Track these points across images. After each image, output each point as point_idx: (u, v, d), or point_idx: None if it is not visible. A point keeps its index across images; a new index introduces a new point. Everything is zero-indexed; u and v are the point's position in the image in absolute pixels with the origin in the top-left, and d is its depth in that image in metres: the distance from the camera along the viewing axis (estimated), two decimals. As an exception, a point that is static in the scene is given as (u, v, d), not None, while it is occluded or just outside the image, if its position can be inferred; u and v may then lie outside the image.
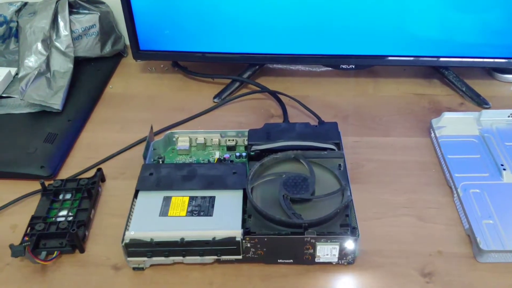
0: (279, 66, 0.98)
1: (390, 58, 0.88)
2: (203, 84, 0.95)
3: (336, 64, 0.91)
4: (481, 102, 0.87)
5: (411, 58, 0.87)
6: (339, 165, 0.67)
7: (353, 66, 0.91)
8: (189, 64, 0.97)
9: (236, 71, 0.94)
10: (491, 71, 0.93)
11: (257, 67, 0.94)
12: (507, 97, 0.89)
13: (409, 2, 0.81)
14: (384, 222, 0.66)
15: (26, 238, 0.62)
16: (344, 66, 0.91)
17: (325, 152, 0.69)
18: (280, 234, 0.57)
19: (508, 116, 0.80)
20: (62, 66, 0.89)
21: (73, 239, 0.61)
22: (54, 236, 0.62)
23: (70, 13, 0.92)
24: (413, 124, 0.83)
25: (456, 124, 0.79)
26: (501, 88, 0.92)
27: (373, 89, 0.93)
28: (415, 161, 0.76)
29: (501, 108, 0.82)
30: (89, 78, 0.93)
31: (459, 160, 0.73)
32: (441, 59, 0.87)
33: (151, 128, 0.74)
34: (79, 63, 0.94)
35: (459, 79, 0.89)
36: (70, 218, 0.64)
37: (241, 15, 0.84)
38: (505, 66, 0.89)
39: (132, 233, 0.57)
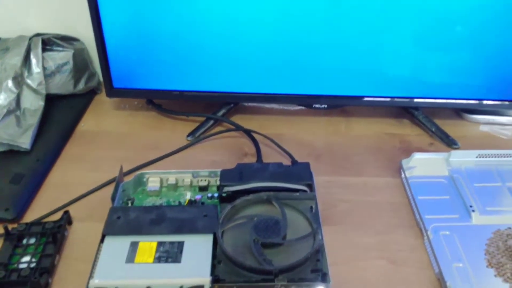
0: (254, 104, 0.99)
1: (361, 98, 0.89)
2: (177, 122, 0.94)
3: (309, 103, 0.92)
4: (450, 143, 0.88)
5: (382, 99, 0.88)
6: (311, 207, 0.67)
7: (325, 106, 0.92)
8: (163, 101, 0.96)
9: (211, 109, 0.94)
10: (460, 111, 0.95)
11: (232, 105, 0.94)
12: (476, 137, 0.91)
13: (380, 44, 0.82)
14: (356, 266, 0.66)
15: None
16: (316, 106, 0.92)
17: (298, 194, 0.69)
18: (250, 281, 0.57)
19: (477, 157, 0.82)
20: (33, 103, 0.88)
21: (35, 287, 0.59)
22: (15, 284, 0.60)
23: (44, 50, 0.91)
24: (384, 164, 0.84)
25: (426, 164, 0.80)
26: (470, 128, 0.93)
27: (345, 128, 0.93)
28: (387, 202, 0.76)
29: (470, 148, 0.84)
30: (61, 115, 0.92)
31: (429, 201, 0.74)
32: (413, 100, 0.88)
33: (121, 168, 0.73)
34: (51, 100, 0.93)
35: (428, 120, 0.91)
36: (33, 265, 0.62)
37: (216, 54, 0.85)
38: (476, 107, 0.90)
39: (97, 281, 0.56)
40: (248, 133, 0.89)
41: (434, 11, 0.78)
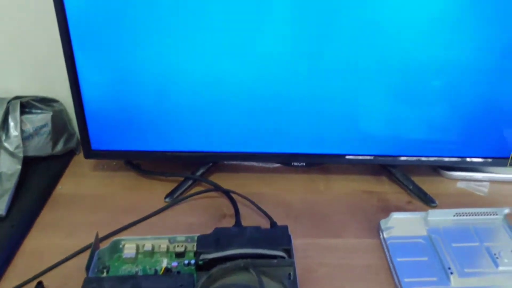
0: (233, 162, 0.99)
1: (339, 157, 0.90)
2: (155, 182, 0.94)
3: (288, 161, 0.93)
4: (428, 201, 0.89)
5: (362, 157, 0.89)
6: (289, 274, 0.67)
7: (304, 164, 0.93)
8: (142, 161, 0.96)
9: (190, 168, 0.94)
10: (437, 168, 0.96)
11: (211, 164, 0.95)
12: (453, 194, 0.92)
13: (357, 102, 0.84)
14: (334, 334, 0.65)
15: None
16: (295, 164, 0.93)
17: (275, 261, 0.68)
18: None
19: (454, 216, 0.82)
20: (10, 167, 0.87)
21: None
22: None
23: (22, 113, 0.91)
24: (363, 225, 0.84)
25: (404, 224, 0.81)
26: (447, 185, 0.94)
27: (324, 186, 0.94)
28: (366, 265, 0.76)
29: (447, 206, 0.85)
30: (38, 178, 0.92)
31: (408, 264, 0.74)
32: (395, 158, 0.90)
33: (97, 235, 0.73)
34: (29, 162, 0.92)
35: (406, 177, 0.92)
36: None
37: (195, 115, 0.86)
38: (457, 165, 0.92)
39: None
40: (227, 193, 0.89)
41: (410, 66, 0.80)
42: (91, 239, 0.77)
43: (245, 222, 0.82)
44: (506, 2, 0.74)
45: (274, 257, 0.69)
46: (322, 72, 0.81)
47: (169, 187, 0.92)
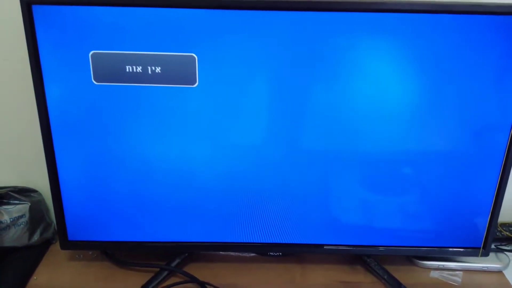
0: (208, 252, 1.00)
1: (315, 246, 0.91)
2: (130, 273, 0.94)
3: (263, 251, 0.94)
4: (402, 291, 0.90)
5: (335, 247, 0.91)
6: None
7: (280, 253, 0.94)
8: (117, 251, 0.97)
9: (166, 258, 0.94)
10: (411, 258, 0.98)
11: (187, 254, 0.95)
12: (426, 284, 0.93)
13: (329, 191, 0.87)
14: None
15: None
16: (271, 253, 0.94)
17: None
18: None
19: (428, 307, 0.83)
20: (-15, 259, 0.87)
21: None
22: None
23: (0, 203, 0.92)
24: (338, 317, 0.84)
25: (379, 316, 0.81)
26: (421, 274, 0.95)
27: (301, 276, 0.94)
28: None
29: (421, 296, 0.86)
30: (13, 269, 0.91)
31: None
32: (376, 248, 0.91)
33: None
34: (4, 252, 0.92)
35: (380, 267, 0.93)
36: None
37: (169, 206, 0.87)
38: (426, 254, 0.94)
39: None
40: (203, 285, 0.89)
41: (382, 154, 0.83)
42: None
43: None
44: (472, 91, 0.79)
45: None
46: (296, 162, 0.84)
47: (144, 277, 0.92)
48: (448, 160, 0.84)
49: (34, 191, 1.00)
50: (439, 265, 0.96)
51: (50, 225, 1.01)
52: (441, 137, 0.82)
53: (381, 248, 0.91)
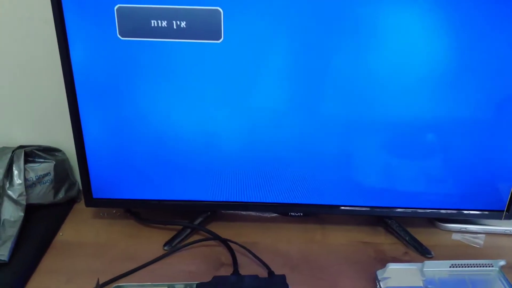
0: (231, 211, 1.01)
1: (336, 207, 0.91)
2: (154, 230, 0.95)
3: (285, 211, 0.95)
4: (424, 252, 0.90)
5: (358, 209, 0.91)
6: (286, 326, 0.68)
7: (301, 214, 0.94)
8: (141, 209, 0.98)
9: (188, 216, 0.95)
10: (433, 220, 0.98)
11: (209, 213, 0.96)
12: (449, 246, 0.93)
13: (352, 153, 0.86)
14: None
15: None
16: (292, 214, 0.94)
17: (272, 312, 0.69)
18: None
19: (450, 267, 0.83)
20: (13, 214, 0.89)
21: None
22: None
23: (26, 161, 0.93)
24: (360, 275, 0.85)
25: (400, 275, 0.81)
26: (443, 236, 0.95)
27: (321, 236, 0.95)
28: (362, 315, 0.76)
29: (443, 257, 0.86)
30: (40, 225, 0.93)
31: (404, 314, 0.75)
32: (392, 209, 0.91)
33: (98, 282, 0.74)
34: (31, 209, 0.94)
35: (402, 228, 0.93)
36: None
37: (193, 165, 0.88)
38: (450, 217, 0.93)
39: None
40: (225, 242, 0.90)
41: (406, 119, 0.83)
42: (91, 285, 0.78)
43: (243, 271, 0.83)
44: (498, 57, 0.77)
45: (272, 305, 0.70)
46: (318, 125, 0.84)
47: (167, 235, 0.93)
48: (473, 124, 0.83)
49: (58, 150, 1.01)
50: (461, 227, 0.96)
51: (74, 184, 1.03)
52: (466, 103, 0.81)
53: (402, 210, 0.91)
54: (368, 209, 0.91)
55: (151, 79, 0.80)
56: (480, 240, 0.94)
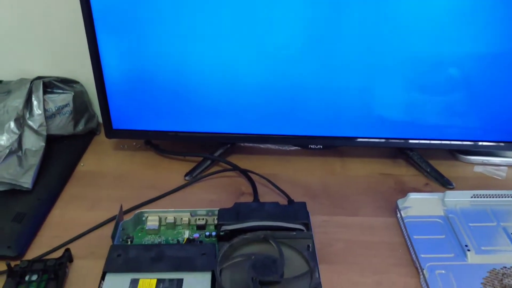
0: (250, 144, 1.01)
1: (355, 139, 0.91)
2: (174, 162, 0.96)
3: (305, 144, 0.94)
4: (445, 183, 0.90)
5: (376, 140, 0.90)
6: (308, 245, 0.68)
7: (321, 146, 0.94)
8: (161, 141, 0.98)
9: (208, 149, 0.95)
10: (454, 153, 0.97)
11: (229, 145, 0.96)
12: (470, 177, 0.92)
13: (373, 86, 0.85)
14: (352, 304, 0.67)
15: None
16: (312, 146, 0.94)
17: (294, 233, 0.70)
18: (248, 318, 0.57)
19: (471, 197, 0.83)
20: (34, 144, 0.89)
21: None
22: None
23: (44, 92, 0.93)
24: (380, 204, 0.85)
25: (421, 204, 0.81)
26: (464, 168, 0.95)
27: (341, 168, 0.95)
28: (382, 241, 0.77)
29: (464, 189, 0.85)
30: (61, 155, 0.94)
31: (425, 241, 0.75)
32: (406, 141, 0.90)
33: (121, 207, 0.74)
34: (52, 140, 0.95)
35: (423, 160, 0.93)
36: (35, 302, 0.63)
37: (213, 96, 0.87)
38: (469, 148, 0.92)
39: (98, 318, 0.56)
40: (245, 173, 0.91)
41: (427, 54, 0.81)
42: (113, 213, 0.79)
43: (262, 200, 0.84)
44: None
45: (293, 230, 0.71)
46: (340, 57, 0.82)
47: (188, 166, 0.93)
48: (496, 58, 0.81)
49: (76, 82, 1.01)
50: (483, 160, 0.96)
51: (94, 116, 1.03)
52: (487, 34, 0.78)
53: (417, 141, 0.90)
54: (388, 140, 0.90)
55: (172, 9, 0.78)
56: (502, 172, 0.93)
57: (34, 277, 0.67)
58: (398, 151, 0.96)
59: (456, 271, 0.70)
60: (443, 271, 0.70)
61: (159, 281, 0.62)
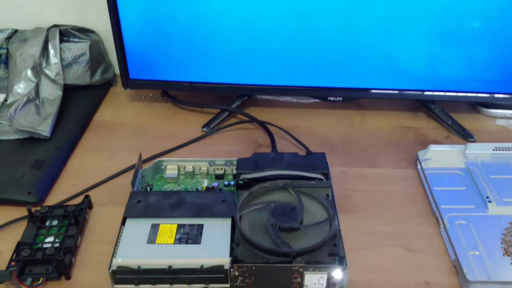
0: (268, 97, 0.99)
1: (376, 91, 0.89)
2: (192, 113, 0.95)
3: (324, 96, 0.93)
4: (466, 136, 0.88)
5: (397, 92, 0.89)
6: (327, 195, 0.68)
7: (340, 99, 0.92)
8: (178, 93, 0.97)
9: (225, 101, 0.94)
10: (476, 106, 0.95)
11: (246, 97, 0.95)
12: (492, 131, 0.91)
13: (396, 37, 0.83)
14: (371, 252, 0.67)
15: (13, 263, 0.61)
16: (331, 98, 0.92)
17: (313, 182, 0.69)
18: (268, 263, 0.57)
19: (493, 150, 0.82)
20: (52, 93, 0.89)
21: (59, 265, 0.60)
22: (40, 263, 0.61)
23: (61, 41, 0.92)
24: (400, 156, 0.84)
25: (442, 156, 0.80)
26: (486, 122, 0.93)
27: (360, 120, 0.94)
28: (402, 192, 0.76)
29: (485, 142, 0.84)
30: (78, 105, 0.93)
31: (445, 192, 0.74)
32: (427, 93, 0.89)
33: (140, 156, 0.74)
34: (69, 90, 0.94)
35: (444, 113, 0.91)
36: (57, 245, 0.64)
37: (230, 47, 0.86)
38: (490, 101, 0.91)
39: (120, 260, 0.57)
40: (262, 124, 0.90)
41: (448, 6, 0.79)
42: (131, 162, 0.79)
43: (281, 152, 0.83)
44: None
45: (312, 179, 0.70)
46: (360, 5, 0.80)
47: (205, 118, 0.93)
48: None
49: (92, 31, 1.00)
50: (505, 113, 0.94)
51: (110, 67, 1.02)
52: None
53: (443, 94, 0.89)
54: (407, 92, 0.88)
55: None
56: (525, 126, 0.92)
57: (55, 222, 0.68)
58: (419, 103, 0.95)
59: (477, 222, 0.69)
60: (463, 222, 0.69)
61: (180, 226, 0.62)
